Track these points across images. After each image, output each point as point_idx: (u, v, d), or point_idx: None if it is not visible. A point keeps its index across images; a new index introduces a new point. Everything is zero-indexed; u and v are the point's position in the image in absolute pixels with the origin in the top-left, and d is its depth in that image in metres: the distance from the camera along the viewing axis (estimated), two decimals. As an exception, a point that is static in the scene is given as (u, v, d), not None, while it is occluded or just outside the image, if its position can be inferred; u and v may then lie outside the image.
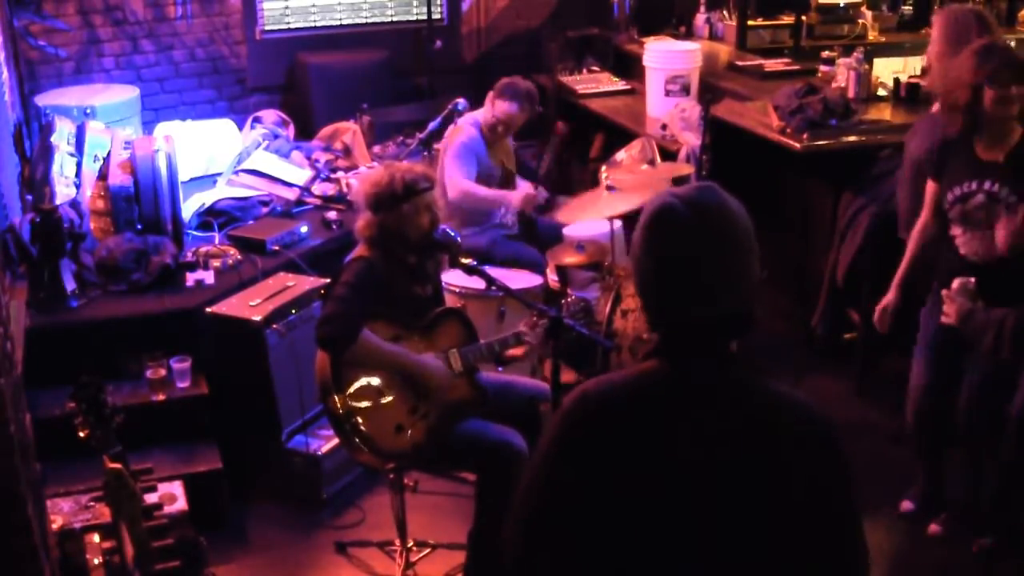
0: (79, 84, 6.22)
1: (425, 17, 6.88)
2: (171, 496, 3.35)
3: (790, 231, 5.26)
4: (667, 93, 5.80)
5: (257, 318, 4.09)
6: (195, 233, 4.96)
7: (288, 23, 6.92)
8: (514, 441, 3.43)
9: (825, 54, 5.88)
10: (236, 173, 5.43)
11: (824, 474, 1.68)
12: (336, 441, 3.81)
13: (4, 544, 2.24)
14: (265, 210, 5.14)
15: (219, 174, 5.61)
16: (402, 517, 3.61)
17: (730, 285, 1.69)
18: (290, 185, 5.35)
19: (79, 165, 4.85)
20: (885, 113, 5.22)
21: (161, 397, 4.08)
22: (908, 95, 5.30)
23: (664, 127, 5.54)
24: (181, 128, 5.84)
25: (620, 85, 6.52)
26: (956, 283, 3.43)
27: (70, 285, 4.21)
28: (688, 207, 1.69)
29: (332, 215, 5.10)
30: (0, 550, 2.24)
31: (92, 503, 3.13)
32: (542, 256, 4.82)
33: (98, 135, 5.02)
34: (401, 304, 3.48)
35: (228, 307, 4.20)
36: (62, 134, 4.91)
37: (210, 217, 5.02)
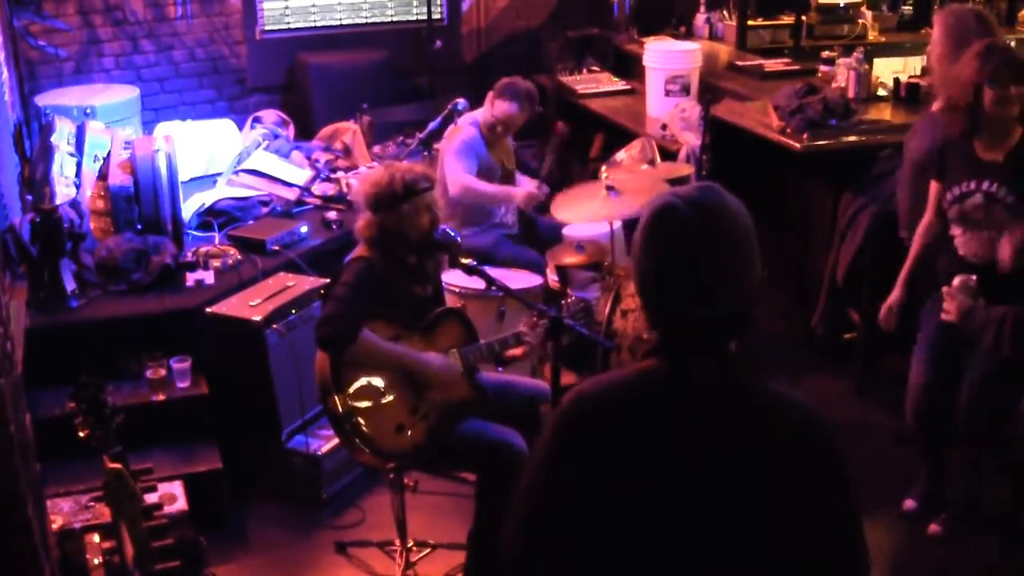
0: (79, 84, 6.22)
1: (425, 17, 6.89)
2: (171, 496, 3.35)
3: (790, 231, 5.25)
4: (667, 93, 5.80)
5: (257, 318, 4.09)
6: (195, 233, 4.96)
7: (288, 23, 6.92)
8: (514, 441, 3.43)
9: (825, 54, 5.88)
10: (236, 173, 5.43)
11: (822, 474, 1.68)
12: (336, 441, 3.81)
13: (4, 544, 2.24)
14: (265, 210, 5.14)
15: (219, 174, 5.60)
16: (402, 517, 3.61)
17: (730, 285, 1.69)
18: (290, 185, 5.35)
19: (79, 165, 4.85)
20: (885, 113, 5.21)
21: (161, 397, 4.08)
22: (908, 95, 5.29)
23: (664, 127, 5.53)
24: (181, 128, 5.84)
25: (620, 85, 6.52)
26: (957, 280, 3.44)
27: (70, 285, 4.21)
28: (689, 207, 1.69)
29: (332, 215, 5.10)
30: (0, 550, 2.24)
31: (92, 503, 3.13)
32: (542, 256, 4.82)
33: (98, 135, 5.02)
34: (401, 304, 3.48)
35: (228, 307, 4.20)
36: (62, 134, 4.91)
37: (210, 217, 5.01)
